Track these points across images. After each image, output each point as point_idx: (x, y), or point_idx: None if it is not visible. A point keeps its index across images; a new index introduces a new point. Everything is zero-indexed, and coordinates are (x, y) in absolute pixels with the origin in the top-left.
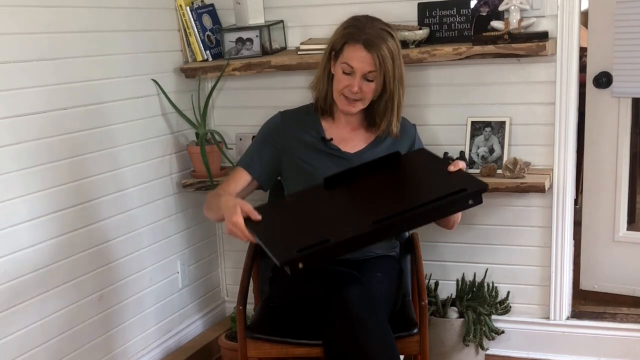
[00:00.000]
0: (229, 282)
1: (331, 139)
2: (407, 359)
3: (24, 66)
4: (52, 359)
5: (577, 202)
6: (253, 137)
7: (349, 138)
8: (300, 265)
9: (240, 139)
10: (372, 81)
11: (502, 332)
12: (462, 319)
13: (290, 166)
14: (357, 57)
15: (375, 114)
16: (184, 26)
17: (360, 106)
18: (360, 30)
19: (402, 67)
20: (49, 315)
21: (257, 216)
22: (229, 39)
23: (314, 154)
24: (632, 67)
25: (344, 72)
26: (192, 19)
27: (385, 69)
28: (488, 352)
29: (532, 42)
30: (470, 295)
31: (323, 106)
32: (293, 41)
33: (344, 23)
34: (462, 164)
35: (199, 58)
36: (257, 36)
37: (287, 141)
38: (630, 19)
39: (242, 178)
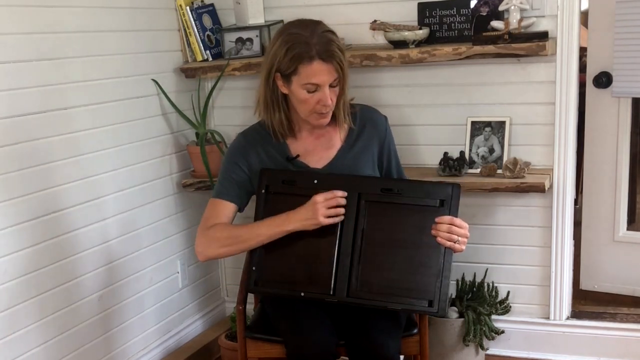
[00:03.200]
0: (229, 282)
1: (297, 156)
2: (407, 359)
3: (23, 66)
4: (52, 359)
5: (577, 202)
6: None
7: (315, 150)
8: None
9: None
10: (336, 86)
11: (502, 332)
12: (462, 319)
13: None
14: (319, 72)
15: (335, 111)
16: (184, 26)
17: (331, 113)
18: (309, 45)
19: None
20: (49, 315)
21: (341, 194)
22: (229, 39)
23: None
24: (632, 67)
25: (308, 92)
26: (192, 19)
27: (344, 70)
28: (488, 352)
29: (532, 42)
30: (470, 295)
31: (282, 131)
32: None
33: (284, 42)
34: (446, 221)
35: (199, 58)
36: (257, 36)
37: (253, 162)
38: (630, 19)
39: (228, 209)
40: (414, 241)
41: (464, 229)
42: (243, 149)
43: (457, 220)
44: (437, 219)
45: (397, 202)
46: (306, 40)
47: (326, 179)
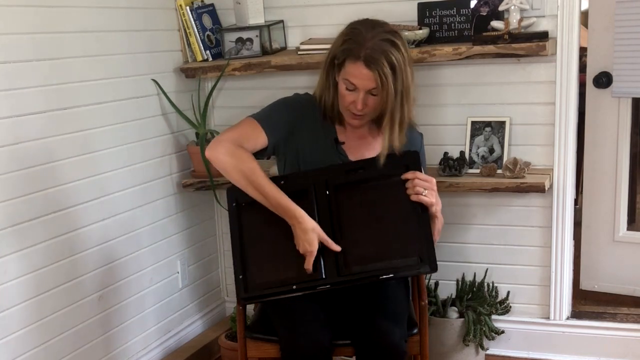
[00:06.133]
0: (229, 282)
1: (343, 143)
2: (407, 359)
3: (23, 66)
4: (52, 359)
5: (577, 202)
6: None
7: (358, 146)
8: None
9: None
10: (376, 95)
11: (502, 332)
12: (462, 319)
13: (291, 150)
14: (358, 75)
15: (378, 119)
16: (184, 26)
17: (367, 119)
18: (360, 45)
19: (407, 78)
20: (49, 315)
21: (336, 248)
22: (229, 39)
23: (321, 151)
24: (632, 67)
25: (347, 88)
26: (192, 19)
27: (387, 86)
28: (488, 352)
29: (532, 42)
30: (470, 295)
31: (331, 114)
32: (293, 41)
33: (344, 33)
34: (415, 176)
35: (199, 58)
36: (257, 36)
37: (302, 127)
38: (630, 19)
39: (261, 140)
40: (388, 211)
41: (428, 182)
42: (303, 110)
43: (421, 174)
44: (403, 176)
45: (364, 179)
46: (362, 40)
47: (292, 178)
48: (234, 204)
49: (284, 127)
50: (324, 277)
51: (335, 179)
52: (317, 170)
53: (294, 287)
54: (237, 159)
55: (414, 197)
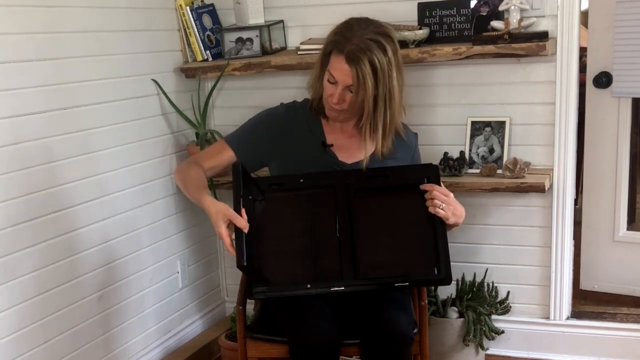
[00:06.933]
0: (229, 282)
1: (331, 145)
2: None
3: (23, 66)
4: (52, 359)
5: (577, 202)
6: None
7: (347, 146)
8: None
9: None
10: (354, 93)
11: (502, 332)
12: (462, 319)
13: (280, 165)
14: (339, 69)
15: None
16: (184, 26)
17: (347, 115)
18: (347, 40)
19: (392, 82)
20: (49, 315)
21: (242, 224)
22: (229, 38)
23: (309, 157)
24: (632, 67)
25: (328, 80)
26: (192, 19)
27: (364, 86)
28: (488, 352)
29: (532, 42)
30: (470, 295)
31: (317, 107)
32: (293, 41)
33: (337, 26)
34: (433, 190)
35: (199, 58)
36: (257, 36)
37: (285, 138)
38: (630, 19)
39: (226, 158)
40: (406, 220)
41: (446, 196)
42: (283, 121)
43: (439, 187)
44: (421, 187)
45: (385, 186)
46: (350, 36)
47: (311, 177)
48: (250, 197)
49: (261, 142)
50: (340, 278)
51: (357, 183)
52: (338, 172)
53: (309, 285)
54: (182, 170)
55: (431, 210)
